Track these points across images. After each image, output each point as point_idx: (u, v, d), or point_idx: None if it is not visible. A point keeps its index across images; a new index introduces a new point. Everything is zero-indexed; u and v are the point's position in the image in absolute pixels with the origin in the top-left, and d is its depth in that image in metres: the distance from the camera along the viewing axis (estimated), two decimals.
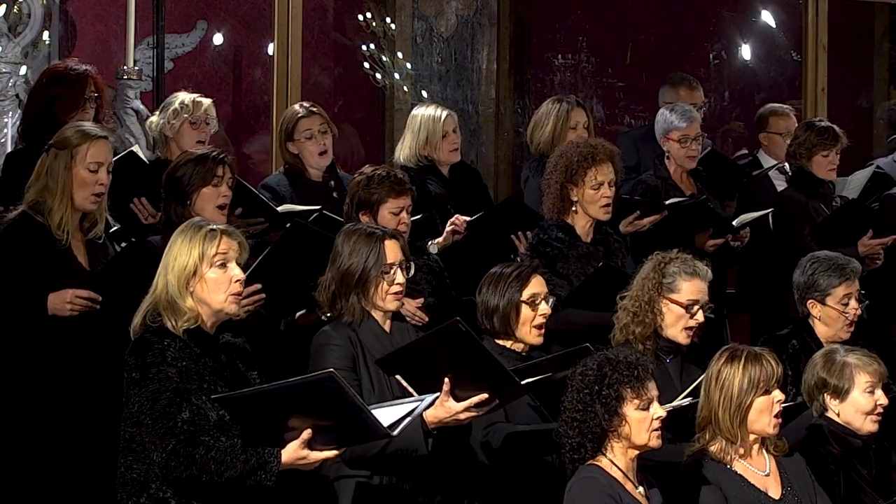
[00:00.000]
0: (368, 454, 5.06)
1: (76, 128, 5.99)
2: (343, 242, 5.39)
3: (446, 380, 4.94)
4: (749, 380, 5.28)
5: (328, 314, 5.63)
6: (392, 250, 5.35)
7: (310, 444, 4.52)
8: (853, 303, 6.38)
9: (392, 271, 5.34)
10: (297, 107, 7.41)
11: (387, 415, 4.61)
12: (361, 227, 5.48)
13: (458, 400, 4.97)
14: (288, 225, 6.27)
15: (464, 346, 4.93)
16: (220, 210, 6.07)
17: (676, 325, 5.84)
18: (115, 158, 6.38)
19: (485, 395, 4.98)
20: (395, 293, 5.36)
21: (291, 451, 4.52)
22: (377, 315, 5.36)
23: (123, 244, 6.20)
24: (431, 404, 4.87)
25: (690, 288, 5.85)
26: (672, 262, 5.89)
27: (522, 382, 5.11)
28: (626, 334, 5.84)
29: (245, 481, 4.52)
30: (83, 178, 5.85)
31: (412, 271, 5.45)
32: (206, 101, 7.29)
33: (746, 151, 9.33)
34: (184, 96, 7.28)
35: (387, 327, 5.38)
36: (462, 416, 5.00)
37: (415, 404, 4.68)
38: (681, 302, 5.82)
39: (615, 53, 10.13)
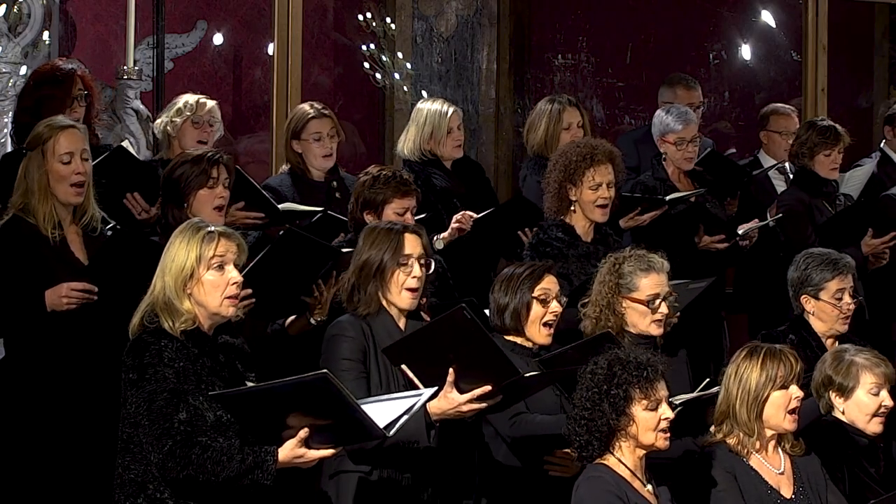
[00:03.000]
0: (369, 445, 5.04)
1: (45, 123, 5.94)
2: (364, 238, 5.40)
3: (451, 371, 4.95)
4: (766, 374, 5.34)
5: (318, 319, 5.65)
6: (412, 243, 5.35)
7: (307, 443, 4.51)
8: (847, 297, 6.38)
9: (410, 263, 5.32)
10: (307, 107, 7.32)
11: (385, 411, 4.59)
12: (383, 224, 5.51)
13: (461, 392, 4.98)
14: (281, 232, 6.22)
15: (469, 334, 4.93)
16: (218, 211, 6.04)
17: (643, 320, 5.85)
18: (104, 156, 6.37)
19: (488, 388, 4.98)
20: (412, 288, 5.33)
21: (288, 450, 4.51)
22: (393, 311, 5.36)
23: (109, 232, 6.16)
24: (431, 398, 4.85)
25: (648, 283, 5.84)
26: (626, 261, 5.89)
27: (525, 376, 5.12)
28: None
29: (242, 480, 4.52)
30: (58, 171, 5.80)
31: (432, 268, 5.43)
32: (211, 103, 7.33)
33: (735, 150, 9.32)
34: (189, 97, 7.33)
35: (401, 325, 5.37)
36: (465, 409, 5.00)
37: (413, 400, 4.67)
38: (641, 300, 5.82)
39: (615, 53, 10.13)
